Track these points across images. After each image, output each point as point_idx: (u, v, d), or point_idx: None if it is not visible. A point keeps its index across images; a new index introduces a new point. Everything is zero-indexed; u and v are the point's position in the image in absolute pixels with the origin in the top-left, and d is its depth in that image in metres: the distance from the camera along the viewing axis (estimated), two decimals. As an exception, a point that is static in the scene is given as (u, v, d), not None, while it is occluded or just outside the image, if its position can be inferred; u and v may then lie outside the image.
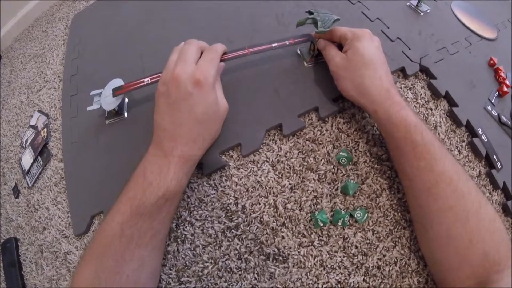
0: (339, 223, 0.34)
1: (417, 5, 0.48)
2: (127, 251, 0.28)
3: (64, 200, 0.43)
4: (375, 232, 0.34)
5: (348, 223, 0.34)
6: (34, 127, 0.53)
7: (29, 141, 0.52)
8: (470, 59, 0.46)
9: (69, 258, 0.40)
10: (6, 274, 0.46)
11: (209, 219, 0.35)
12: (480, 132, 0.40)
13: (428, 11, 0.48)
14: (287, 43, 0.39)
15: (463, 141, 0.40)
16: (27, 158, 0.51)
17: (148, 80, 0.36)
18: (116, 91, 0.38)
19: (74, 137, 0.45)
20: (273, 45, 0.38)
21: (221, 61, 0.34)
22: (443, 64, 0.44)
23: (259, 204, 0.35)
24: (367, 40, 0.35)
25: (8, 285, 0.45)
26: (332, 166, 0.36)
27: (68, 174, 0.43)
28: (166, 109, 0.30)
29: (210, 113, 0.31)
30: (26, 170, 0.51)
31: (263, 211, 0.35)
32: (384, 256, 0.34)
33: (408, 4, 0.49)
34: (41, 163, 0.49)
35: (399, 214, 0.35)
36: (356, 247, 0.34)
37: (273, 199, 0.35)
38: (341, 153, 0.36)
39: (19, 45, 0.68)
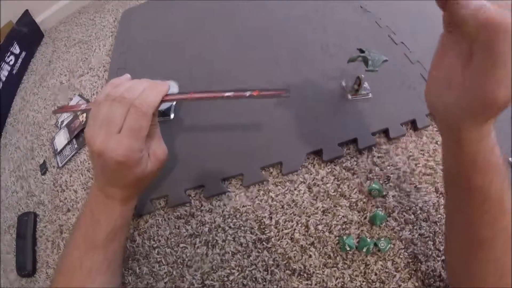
0: (364, 250, 0.36)
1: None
2: (89, 279, 0.31)
3: (95, 187, 0.45)
4: (395, 262, 0.37)
5: (372, 251, 0.36)
6: (72, 110, 0.54)
7: (65, 123, 0.54)
8: None
9: (91, 243, 0.41)
10: (17, 245, 0.47)
11: (242, 228, 0.37)
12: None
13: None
14: (247, 95, 0.31)
15: None
16: (61, 139, 0.52)
17: None
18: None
19: (115, 128, 0.46)
20: (226, 94, 0.31)
21: (163, 101, 0.31)
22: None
23: (292, 221, 0.37)
24: None
25: (17, 257, 0.46)
26: (363, 196, 0.38)
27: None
28: (100, 170, 0.31)
29: (144, 168, 0.31)
30: (58, 150, 0.52)
31: (295, 229, 0.37)
32: (399, 286, 0.36)
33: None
34: (76, 146, 0.51)
35: (419, 249, 0.38)
36: (376, 274, 0.36)
37: (306, 219, 0.37)
38: (373, 185, 0.38)
39: (64, 28, 0.70)
